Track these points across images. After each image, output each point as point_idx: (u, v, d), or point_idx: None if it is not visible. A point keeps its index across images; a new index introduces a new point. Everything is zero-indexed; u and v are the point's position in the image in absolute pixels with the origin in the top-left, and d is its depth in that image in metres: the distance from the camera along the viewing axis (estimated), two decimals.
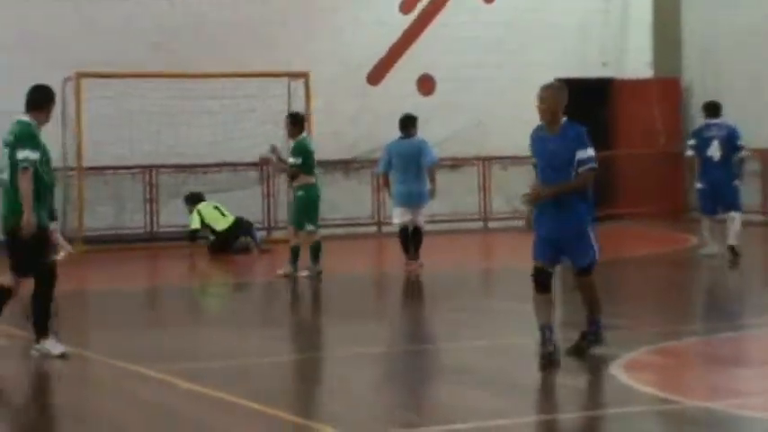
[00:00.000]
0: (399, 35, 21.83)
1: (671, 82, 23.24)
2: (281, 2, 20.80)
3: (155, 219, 19.88)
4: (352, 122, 21.29)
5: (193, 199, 18.62)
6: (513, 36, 22.26)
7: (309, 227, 14.59)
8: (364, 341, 10.51)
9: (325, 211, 20.83)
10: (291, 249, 14.61)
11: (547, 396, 8.39)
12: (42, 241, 9.80)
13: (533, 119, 20.54)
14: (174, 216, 19.98)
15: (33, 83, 19.29)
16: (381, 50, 21.69)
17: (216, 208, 18.56)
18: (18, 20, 19.27)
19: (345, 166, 21.32)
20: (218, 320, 11.88)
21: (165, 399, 8.34)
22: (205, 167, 20.33)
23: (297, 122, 14.83)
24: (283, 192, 20.40)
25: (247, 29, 20.43)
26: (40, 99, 10.25)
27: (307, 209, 14.63)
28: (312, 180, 14.68)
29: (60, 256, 13.95)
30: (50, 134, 18.54)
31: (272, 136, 20.24)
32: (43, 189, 9.80)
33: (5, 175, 9.81)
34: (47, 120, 10.19)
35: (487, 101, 22.14)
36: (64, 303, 14.18)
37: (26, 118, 10.11)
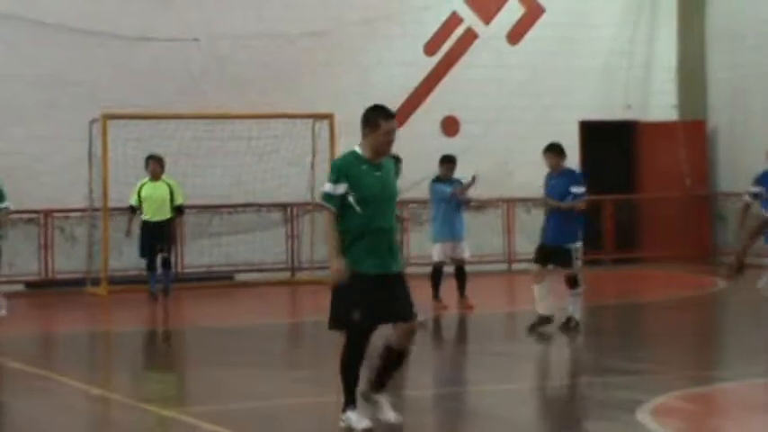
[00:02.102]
0: (424, 77, 21.88)
1: (696, 124, 23.19)
2: (306, 43, 20.90)
3: (179, 260, 19.90)
4: None
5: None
6: (538, 78, 22.29)
7: None
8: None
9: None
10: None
11: None
12: None
13: None
14: (198, 256, 20.02)
15: (61, 122, 19.46)
16: (406, 92, 21.75)
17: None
18: (48, 60, 19.42)
19: None
20: (244, 362, 11.84)
21: None
22: (230, 208, 20.38)
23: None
24: (306, 233, 20.44)
25: (273, 70, 20.52)
26: None
27: None
28: None
29: None
30: (77, 175, 18.97)
31: (296, 176, 20.39)
32: None
33: None
34: None
35: (512, 143, 22.13)
36: (88, 344, 14.22)
37: None
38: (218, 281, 19.76)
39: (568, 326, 12.96)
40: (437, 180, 15.69)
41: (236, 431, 8.29)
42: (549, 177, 13.24)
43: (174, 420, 8.90)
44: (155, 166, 17.15)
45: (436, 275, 15.40)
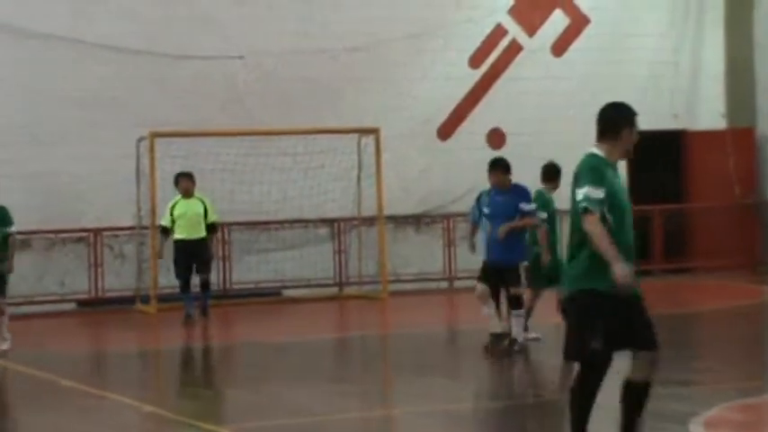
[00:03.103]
0: (469, 90, 21.85)
1: (745, 132, 22.98)
2: (350, 58, 20.94)
3: (228, 275, 20.00)
4: (422, 177, 21.31)
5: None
6: (583, 89, 22.17)
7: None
8: (437, 398, 10.43)
9: (397, 265, 20.91)
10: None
11: None
12: None
13: None
14: (246, 272, 20.09)
15: (105, 141, 19.57)
16: (451, 105, 21.72)
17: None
18: (91, 79, 19.57)
19: (416, 220, 21.32)
20: (293, 377, 11.87)
21: None
22: (277, 224, 20.45)
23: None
24: (354, 248, 20.47)
25: (317, 85, 20.58)
26: None
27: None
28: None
29: None
30: (125, 193, 19.11)
31: (342, 192, 20.43)
32: None
33: None
34: None
35: (558, 154, 21.91)
36: (138, 362, 14.30)
37: None
38: (267, 297, 19.82)
39: (512, 348, 12.53)
40: (481, 194, 15.44)
41: None
42: (495, 193, 12.71)
43: None
44: (187, 183, 16.67)
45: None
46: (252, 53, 20.38)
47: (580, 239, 7.10)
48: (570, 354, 7.27)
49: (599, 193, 7.04)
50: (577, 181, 7.19)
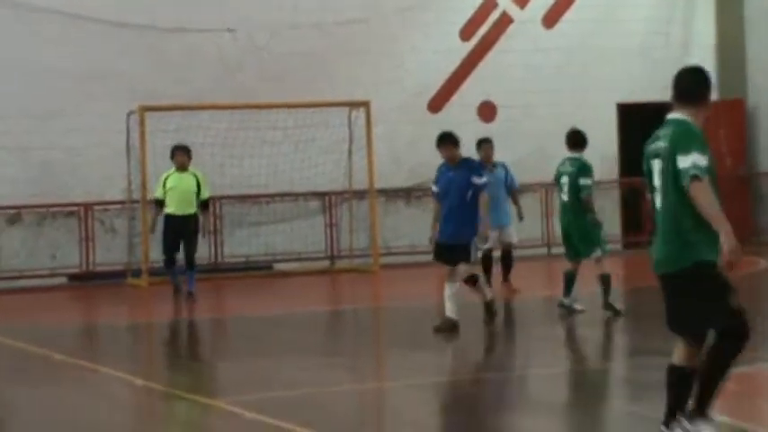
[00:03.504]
0: (459, 62, 21.82)
1: (735, 104, 22.99)
2: (341, 32, 20.89)
3: (219, 249, 19.99)
4: (412, 150, 21.30)
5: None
6: (574, 61, 22.17)
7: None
8: (429, 371, 10.45)
9: (389, 238, 20.92)
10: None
11: (615, 423, 8.28)
12: None
13: (596, 144, 20.46)
14: (237, 246, 20.10)
15: (99, 115, 19.46)
16: (442, 78, 21.70)
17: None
18: (85, 53, 19.51)
19: (407, 193, 21.32)
20: (284, 350, 11.89)
21: (230, 429, 8.34)
22: (268, 197, 20.43)
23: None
24: (346, 221, 20.47)
25: (308, 59, 20.53)
26: None
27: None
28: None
29: None
30: (116, 167, 19.07)
31: (333, 165, 20.41)
32: None
33: None
34: None
35: (549, 126, 22.01)
36: (130, 335, 14.32)
37: None
38: (258, 270, 19.83)
39: (491, 309, 12.53)
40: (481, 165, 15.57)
41: (277, 419, 8.32)
42: (446, 169, 12.30)
43: (217, 409, 8.95)
44: (182, 156, 16.13)
45: (487, 261, 15.44)
46: (244, 27, 20.32)
47: (678, 211, 6.69)
48: (708, 325, 6.82)
49: (704, 161, 6.67)
50: (675, 148, 6.77)
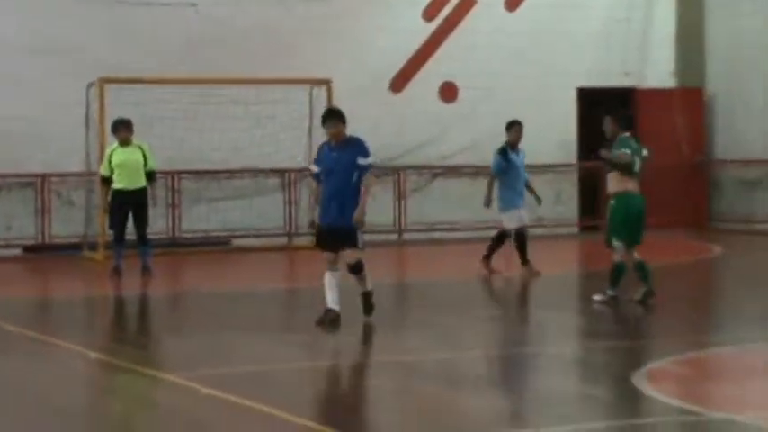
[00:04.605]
0: (422, 43, 21.82)
1: (694, 92, 23.16)
2: (304, 9, 20.82)
3: (177, 224, 19.93)
4: (374, 129, 21.27)
5: None
6: (536, 45, 22.23)
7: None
8: (386, 350, 10.50)
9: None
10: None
11: (570, 406, 8.36)
12: None
13: (555, 128, 20.59)
14: (195, 221, 20.04)
15: (60, 88, 19.34)
16: (404, 58, 21.69)
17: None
18: (44, 25, 19.35)
19: None
20: (241, 327, 11.88)
21: (184, 404, 8.35)
22: (228, 173, 20.38)
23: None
24: (305, 198, 20.44)
25: (271, 36, 20.45)
26: None
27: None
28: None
29: None
30: (75, 140, 18.94)
31: (293, 142, 20.36)
32: None
33: None
34: None
35: (509, 109, 22.04)
36: (85, 309, 14.26)
37: None
38: (216, 246, 19.80)
39: (368, 301, 11.68)
40: (505, 148, 15.74)
41: (233, 395, 8.33)
42: (329, 149, 11.45)
43: (173, 384, 8.95)
44: (124, 131, 15.81)
45: (522, 240, 15.53)
46: (207, 1, 20.21)
47: None
48: None
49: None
50: None
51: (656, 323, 11.98)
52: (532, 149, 21.75)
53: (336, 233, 11.33)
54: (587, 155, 21.09)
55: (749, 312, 12.20)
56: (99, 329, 12.56)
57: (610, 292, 12.59)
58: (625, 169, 12.38)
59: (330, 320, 11.29)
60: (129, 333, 12.31)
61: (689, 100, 23.06)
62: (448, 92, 22.01)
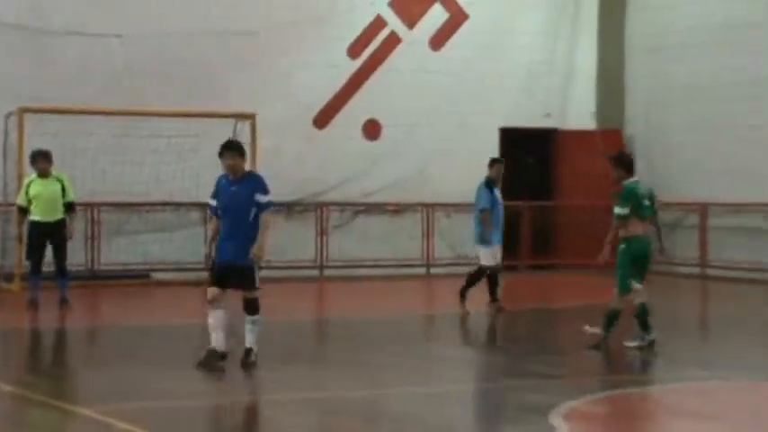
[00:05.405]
0: (347, 79, 21.91)
1: (614, 133, 23.51)
2: (231, 43, 20.80)
3: (96, 256, 19.71)
4: (296, 165, 21.30)
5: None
6: (460, 84, 22.44)
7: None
8: (303, 386, 10.45)
9: (269, 253, 20.79)
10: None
11: None
12: None
13: (477, 167, 20.73)
14: (115, 254, 19.84)
15: None
16: (329, 94, 21.76)
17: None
18: None
19: (288, 208, 21.28)
20: (157, 361, 11.76)
21: None
22: (149, 206, 20.22)
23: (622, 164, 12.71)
24: None
25: (197, 68, 20.39)
26: None
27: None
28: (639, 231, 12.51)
29: None
30: None
31: (214, 176, 20.23)
32: None
33: None
34: None
35: (432, 147, 22.27)
36: (3, 341, 14.00)
37: None
38: (135, 279, 19.60)
39: (247, 360, 11.04)
40: (490, 183, 15.66)
41: (148, 430, 8.23)
42: (228, 183, 10.98)
43: (88, 418, 8.83)
44: (43, 162, 15.57)
45: (495, 278, 15.62)
46: (133, 33, 20.11)
47: None
48: None
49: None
50: None
51: (573, 363, 12.06)
52: (454, 188, 22.04)
53: (232, 272, 10.89)
54: (509, 194, 21.30)
55: (665, 354, 12.34)
56: (12, 362, 12.34)
57: (648, 337, 12.26)
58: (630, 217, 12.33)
59: (212, 362, 10.85)
60: (44, 366, 12.11)
61: (609, 141, 23.37)
62: (371, 129, 22.11)
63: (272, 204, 11.08)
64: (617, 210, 12.35)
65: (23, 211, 15.83)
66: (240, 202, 10.88)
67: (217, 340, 10.95)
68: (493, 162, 16.05)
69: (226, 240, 10.95)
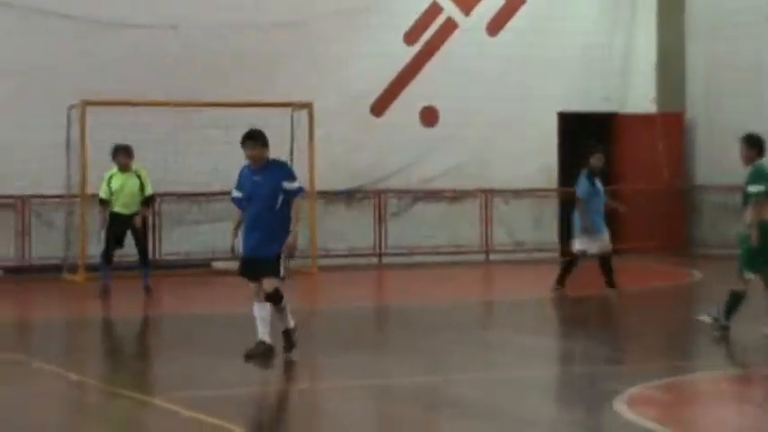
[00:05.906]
0: (403, 66, 21.88)
1: (674, 117, 23.28)
2: (284, 32, 20.86)
3: (157, 246, 19.88)
4: (354, 153, 21.33)
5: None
6: (517, 70, 22.33)
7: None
8: (363, 374, 10.48)
9: (328, 241, 20.92)
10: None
11: (551, 431, 8.36)
12: None
13: (537, 152, 20.57)
14: (176, 244, 20.01)
15: (40, 110, 19.24)
16: (385, 82, 21.75)
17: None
18: (27, 47, 19.34)
19: (348, 196, 21.33)
20: (219, 349, 11.85)
21: (166, 426, 8.31)
22: (207, 196, 20.36)
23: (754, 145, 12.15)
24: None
25: (251, 59, 20.47)
26: None
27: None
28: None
29: None
30: (55, 161, 18.88)
31: None
32: None
33: None
34: None
35: (489, 134, 22.19)
36: (66, 331, 14.19)
37: None
38: (196, 268, 19.76)
39: (291, 341, 10.91)
40: (590, 174, 15.65)
41: (214, 417, 8.31)
42: (249, 172, 10.71)
43: (154, 406, 8.92)
44: (124, 157, 16.13)
45: (568, 265, 15.97)
46: (186, 24, 20.22)
47: None
48: None
49: None
50: None
51: (635, 348, 11.99)
52: (513, 173, 21.98)
53: (257, 263, 10.67)
54: (568, 180, 21.18)
55: (727, 339, 12.22)
56: (80, 352, 12.48)
57: (723, 322, 11.86)
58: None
59: (261, 354, 10.68)
60: (110, 355, 12.25)
61: (669, 125, 23.18)
62: (428, 116, 22.07)
63: (302, 190, 10.81)
64: (753, 188, 11.72)
65: (104, 203, 16.27)
66: (264, 191, 10.60)
67: (263, 333, 10.78)
68: (592, 151, 15.78)
69: (251, 232, 10.71)
